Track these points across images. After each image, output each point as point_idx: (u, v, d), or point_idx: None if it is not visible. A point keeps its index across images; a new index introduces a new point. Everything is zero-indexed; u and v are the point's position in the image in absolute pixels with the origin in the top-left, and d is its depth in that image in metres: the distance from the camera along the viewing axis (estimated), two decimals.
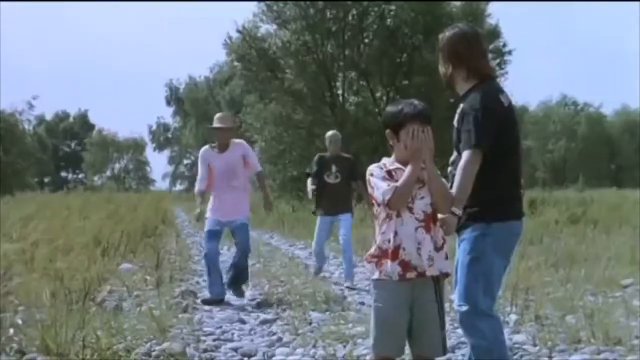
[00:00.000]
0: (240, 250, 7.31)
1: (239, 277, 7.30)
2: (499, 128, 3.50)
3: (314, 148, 20.21)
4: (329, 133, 9.05)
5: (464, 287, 3.54)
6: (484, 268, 3.52)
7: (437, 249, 3.31)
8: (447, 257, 3.34)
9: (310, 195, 8.84)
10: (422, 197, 3.33)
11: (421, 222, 3.31)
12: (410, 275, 3.29)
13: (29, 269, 7.75)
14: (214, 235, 7.25)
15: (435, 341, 3.31)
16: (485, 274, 3.53)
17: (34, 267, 7.93)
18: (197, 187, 7.36)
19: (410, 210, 3.32)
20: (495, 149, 3.47)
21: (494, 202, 3.49)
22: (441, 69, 3.72)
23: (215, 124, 7.35)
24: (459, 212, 3.39)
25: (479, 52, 3.67)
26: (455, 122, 3.62)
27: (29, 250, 9.16)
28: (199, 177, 7.40)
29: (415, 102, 3.40)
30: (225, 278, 7.27)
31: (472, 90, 3.60)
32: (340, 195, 8.60)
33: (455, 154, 3.64)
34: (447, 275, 3.39)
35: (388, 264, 3.32)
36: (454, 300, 3.65)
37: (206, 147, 7.54)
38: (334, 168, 8.64)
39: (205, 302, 7.03)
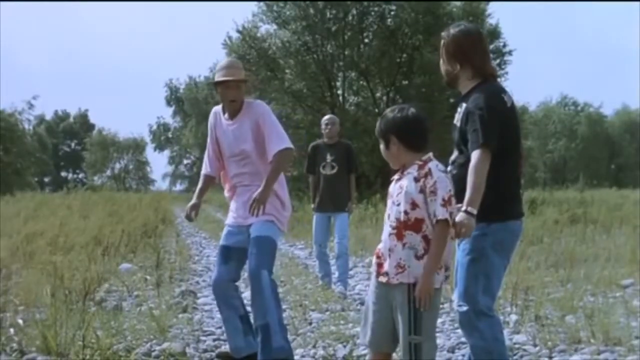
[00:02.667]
0: (252, 289, 4.54)
1: (264, 345, 4.46)
2: (501, 127, 3.50)
3: None
4: (325, 117, 7.98)
5: (463, 287, 3.54)
6: (484, 268, 3.52)
7: (417, 257, 3.26)
8: None
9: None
10: (399, 204, 3.31)
11: (394, 229, 3.31)
12: (382, 279, 3.33)
13: (29, 268, 7.76)
14: (220, 254, 4.75)
15: (403, 344, 3.29)
16: (485, 274, 3.52)
17: (33, 266, 7.94)
18: (202, 168, 5.00)
19: (389, 216, 3.36)
20: (497, 149, 3.46)
21: (494, 202, 3.48)
22: (445, 67, 3.69)
23: (218, 77, 4.69)
24: (475, 212, 3.35)
25: (480, 50, 3.66)
26: (456, 121, 3.60)
27: (29, 249, 9.17)
28: (205, 151, 5.00)
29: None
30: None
31: (474, 89, 3.58)
32: (338, 189, 7.59)
33: (455, 152, 3.63)
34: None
35: (373, 260, 3.41)
36: (454, 300, 3.65)
37: (217, 107, 4.93)
38: (329, 157, 7.60)
39: (221, 356, 4.98)
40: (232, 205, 4.81)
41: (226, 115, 4.77)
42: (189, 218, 4.75)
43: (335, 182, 7.59)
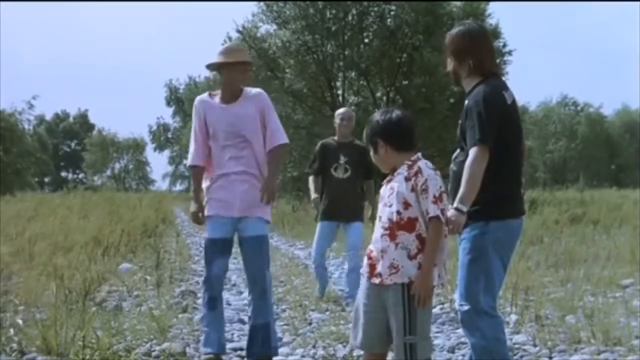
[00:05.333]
0: (256, 289, 4.61)
1: (261, 344, 4.59)
2: (500, 124, 3.50)
3: (314, 148, 20.12)
4: (340, 110, 7.16)
5: (464, 287, 3.54)
6: (485, 267, 3.52)
7: (410, 257, 3.27)
8: (420, 267, 3.25)
9: (314, 203, 7.02)
10: (390, 205, 3.33)
11: (386, 230, 3.31)
12: (375, 280, 3.33)
13: (29, 268, 7.76)
14: (217, 248, 4.65)
15: (397, 345, 3.28)
16: (485, 273, 3.52)
17: (33, 266, 7.94)
18: (189, 159, 4.78)
19: (380, 218, 3.38)
20: (495, 147, 3.46)
21: (494, 200, 3.48)
22: (449, 65, 3.72)
23: (230, 58, 4.57)
24: (465, 209, 3.36)
25: (483, 48, 3.67)
26: (460, 119, 3.63)
27: (29, 249, 9.17)
28: (190, 142, 4.78)
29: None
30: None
31: (476, 86, 3.60)
32: (350, 195, 6.84)
33: (457, 150, 3.64)
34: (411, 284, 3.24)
35: (365, 261, 3.40)
36: (455, 299, 3.64)
37: (203, 95, 4.83)
38: (342, 158, 6.83)
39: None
40: (220, 194, 4.63)
41: (217, 99, 4.68)
42: (198, 222, 4.77)
43: (347, 187, 6.84)
